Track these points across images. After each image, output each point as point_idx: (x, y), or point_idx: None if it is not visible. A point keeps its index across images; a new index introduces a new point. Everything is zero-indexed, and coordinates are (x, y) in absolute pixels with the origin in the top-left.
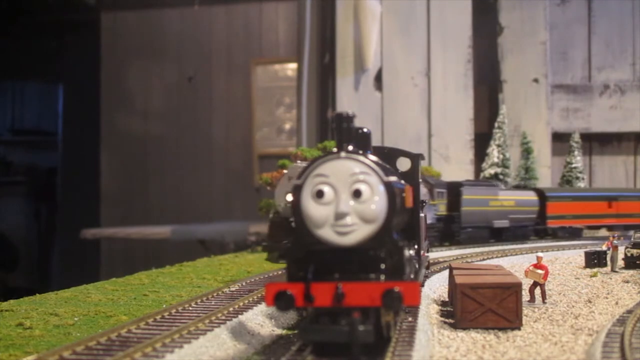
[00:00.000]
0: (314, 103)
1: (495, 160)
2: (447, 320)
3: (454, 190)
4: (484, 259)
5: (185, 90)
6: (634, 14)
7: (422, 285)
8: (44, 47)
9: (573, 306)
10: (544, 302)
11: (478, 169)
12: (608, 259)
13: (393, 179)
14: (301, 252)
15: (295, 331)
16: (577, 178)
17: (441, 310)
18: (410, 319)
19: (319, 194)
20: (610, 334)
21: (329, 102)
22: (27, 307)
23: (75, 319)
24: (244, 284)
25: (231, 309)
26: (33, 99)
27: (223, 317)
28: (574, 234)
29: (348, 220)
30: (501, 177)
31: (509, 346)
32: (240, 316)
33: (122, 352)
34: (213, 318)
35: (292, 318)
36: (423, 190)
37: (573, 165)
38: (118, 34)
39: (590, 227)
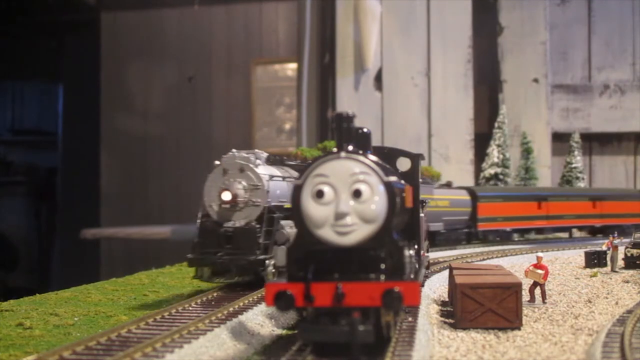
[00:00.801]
0: (314, 103)
1: (495, 160)
2: (447, 320)
3: None
4: (483, 259)
5: (185, 90)
6: (634, 14)
7: (422, 285)
8: (44, 47)
9: (573, 306)
10: (544, 302)
11: (478, 169)
12: (608, 259)
13: (393, 179)
14: (301, 252)
15: (295, 331)
16: (577, 178)
17: (441, 310)
18: (410, 319)
19: (319, 194)
20: (610, 334)
21: (329, 102)
22: (27, 307)
23: (75, 319)
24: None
25: (231, 309)
26: (33, 99)
27: (223, 317)
28: (504, 237)
29: (348, 220)
30: (501, 177)
31: (509, 346)
32: (240, 316)
33: (122, 352)
34: (213, 318)
35: (292, 318)
36: None
37: (573, 165)
38: (118, 34)
39: (517, 231)
